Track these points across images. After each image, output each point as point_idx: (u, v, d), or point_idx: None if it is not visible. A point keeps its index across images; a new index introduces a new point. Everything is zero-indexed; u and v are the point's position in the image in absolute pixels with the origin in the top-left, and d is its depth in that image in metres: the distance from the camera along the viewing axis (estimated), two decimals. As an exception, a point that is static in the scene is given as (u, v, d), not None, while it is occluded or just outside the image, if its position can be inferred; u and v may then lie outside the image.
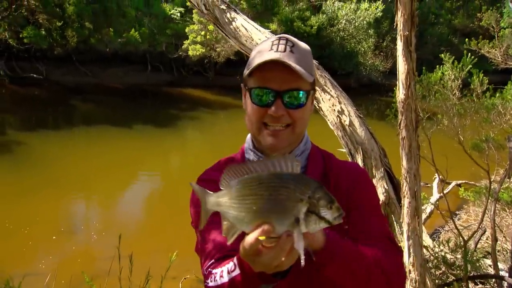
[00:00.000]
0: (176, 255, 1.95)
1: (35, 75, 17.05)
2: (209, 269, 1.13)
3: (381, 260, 1.09)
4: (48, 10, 16.61)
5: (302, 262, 0.84)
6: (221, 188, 0.92)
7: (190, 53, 18.31)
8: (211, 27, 15.97)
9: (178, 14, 19.92)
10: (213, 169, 1.30)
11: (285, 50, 1.14)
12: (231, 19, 3.55)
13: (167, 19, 19.98)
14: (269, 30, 3.63)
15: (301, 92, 1.15)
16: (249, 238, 0.86)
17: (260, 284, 0.97)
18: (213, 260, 1.14)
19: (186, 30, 18.34)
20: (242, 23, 3.52)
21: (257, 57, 1.17)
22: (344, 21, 20.09)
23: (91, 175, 9.29)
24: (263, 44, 1.21)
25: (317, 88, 1.33)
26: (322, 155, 1.29)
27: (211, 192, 0.95)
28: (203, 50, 18.03)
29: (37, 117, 14.10)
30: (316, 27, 19.23)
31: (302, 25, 19.01)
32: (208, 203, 0.95)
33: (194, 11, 17.33)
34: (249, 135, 1.29)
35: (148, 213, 8.11)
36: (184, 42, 18.66)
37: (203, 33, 17.79)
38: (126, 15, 18.51)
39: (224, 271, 1.05)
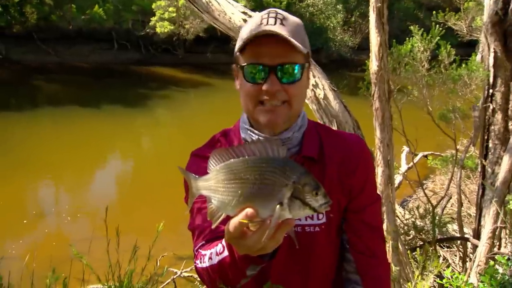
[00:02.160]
0: (162, 226, 1.96)
1: (-7, 54, 16.25)
2: (199, 250, 1.14)
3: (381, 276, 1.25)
4: (4, -15, 15.72)
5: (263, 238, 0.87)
6: (208, 172, 0.92)
7: (158, 30, 17.84)
8: (181, 1, 15.54)
9: (144, -11, 19.25)
10: (206, 145, 1.28)
11: (275, 23, 1.09)
12: (202, -7, 3.48)
13: (132, -5, 19.29)
14: (242, 5, 3.59)
15: (295, 65, 1.10)
16: (233, 222, 0.86)
17: (248, 266, 0.99)
18: (203, 241, 1.15)
19: (153, 6, 17.81)
20: (214, -4, 3.46)
21: (247, 33, 1.12)
22: (313, -4, 20.02)
23: (59, 157, 9.05)
24: (252, 19, 1.16)
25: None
26: (317, 130, 1.26)
27: (198, 176, 0.95)
28: (172, 27, 17.60)
29: (-2, 98, 13.50)
30: (285, 3, 19.07)
31: (272, 0, 18.81)
32: (194, 187, 0.95)
33: (160, -14, 16.81)
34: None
35: (119, 194, 8.03)
36: (151, 19, 18.13)
37: (170, 9, 17.31)
38: (88, -10, 17.73)
39: (213, 253, 1.06)
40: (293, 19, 1.15)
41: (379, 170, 2.64)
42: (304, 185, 0.86)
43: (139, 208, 6.85)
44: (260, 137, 1.16)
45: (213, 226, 0.93)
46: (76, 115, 12.00)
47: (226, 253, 1.02)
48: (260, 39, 1.08)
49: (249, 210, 0.84)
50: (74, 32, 17.90)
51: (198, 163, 1.21)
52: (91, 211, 6.93)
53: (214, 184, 0.90)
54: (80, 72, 17.46)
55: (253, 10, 3.53)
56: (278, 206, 0.85)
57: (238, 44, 1.14)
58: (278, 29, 1.08)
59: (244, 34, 1.13)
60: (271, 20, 1.10)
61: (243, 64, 1.12)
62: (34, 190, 7.94)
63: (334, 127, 3.15)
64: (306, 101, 3.31)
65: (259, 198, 0.85)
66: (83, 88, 15.42)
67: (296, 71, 1.11)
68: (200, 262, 1.11)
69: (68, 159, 9.07)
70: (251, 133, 1.20)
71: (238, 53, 1.14)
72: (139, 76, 18.09)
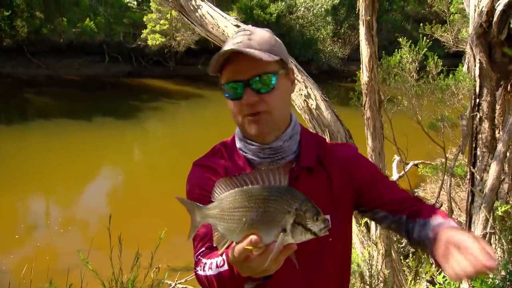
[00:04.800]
0: (165, 232, 1.98)
1: (-17, 68, 16.16)
2: (200, 257, 1.18)
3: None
4: (-6, -1, 15.73)
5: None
6: (212, 200, 0.97)
7: (149, 42, 17.91)
8: (174, 13, 15.65)
9: (135, 3, 19.39)
10: (208, 155, 1.32)
11: (242, 41, 1.15)
12: (196, 7, 3.56)
13: (123, 8, 19.40)
14: (234, 17, 3.67)
15: (267, 75, 1.14)
16: (238, 247, 0.91)
17: (247, 281, 1.02)
18: (203, 248, 1.18)
19: (144, 19, 17.91)
20: (207, 10, 3.53)
21: (217, 55, 1.17)
22: (302, 9, 20.31)
23: (50, 170, 8.99)
24: (226, 42, 1.22)
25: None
26: (314, 140, 1.29)
27: (201, 205, 0.99)
28: (163, 40, 17.69)
29: (-12, 112, 13.42)
30: (275, 15, 19.32)
31: (262, 13, 19.05)
32: (199, 216, 0.99)
33: (152, -1, 16.94)
34: None
35: (111, 206, 7.97)
36: (142, 31, 18.22)
37: (162, 21, 17.44)
38: (79, 3, 17.82)
39: (213, 264, 1.10)
40: (260, 32, 1.20)
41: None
42: (305, 211, 0.91)
43: (131, 220, 6.81)
44: (263, 167, 1.20)
45: (220, 252, 0.97)
46: (67, 128, 11.94)
47: (226, 267, 1.06)
48: (231, 58, 1.14)
49: (253, 237, 0.88)
50: (65, 45, 17.89)
51: (200, 173, 1.26)
52: (83, 224, 6.88)
53: (219, 212, 0.95)
54: (71, 85, 17.40)
55: (244, 22, 3.60)
56: (281, 232, 0.90)
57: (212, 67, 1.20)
58: (244, 45, 1.14)
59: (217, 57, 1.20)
60: (239, 38, 1.16)
61: (222, 84, 1.18)
62: (25, 204, 7.87)
63: (327, 137, 3.22)
64: (299, 111, 3.38)
65: (263, 225, 0.90)
66: (74, 101, 15.36)
67: (270, 80, 1.15)
68: (200, 270, 1.14)
69: (60, 172, 9.01)
70: (245, 143, 1.24)
71: (219, 75, 1.20)
72: (130, 88, 18.08)
